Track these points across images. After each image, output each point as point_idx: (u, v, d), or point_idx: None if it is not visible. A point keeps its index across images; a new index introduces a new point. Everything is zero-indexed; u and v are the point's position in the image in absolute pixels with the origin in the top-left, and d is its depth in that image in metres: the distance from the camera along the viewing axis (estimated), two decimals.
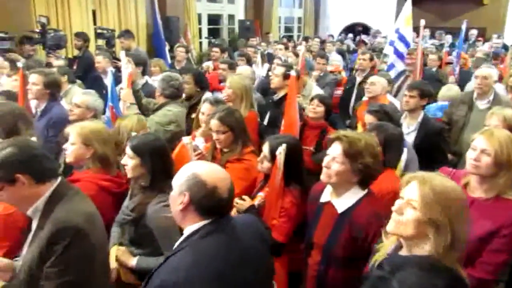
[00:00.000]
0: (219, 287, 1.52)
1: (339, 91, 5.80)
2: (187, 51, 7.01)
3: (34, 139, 2.63)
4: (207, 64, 6.84)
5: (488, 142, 2.10)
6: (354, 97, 5.40)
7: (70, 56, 6.72)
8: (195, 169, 1.64)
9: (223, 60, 5.92)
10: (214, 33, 11.21)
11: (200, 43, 10.60)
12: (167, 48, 7.92)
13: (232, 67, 5.27)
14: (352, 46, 11.65)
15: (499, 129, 2.33)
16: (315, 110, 3.79)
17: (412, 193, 1.51)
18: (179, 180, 1.63)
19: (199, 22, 10.51)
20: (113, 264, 2.20)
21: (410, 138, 3.49)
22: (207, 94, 4.12)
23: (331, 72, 6.25)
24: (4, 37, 5.24)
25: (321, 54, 6.44)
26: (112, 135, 2.74)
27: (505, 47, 10.11)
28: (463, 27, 7.35)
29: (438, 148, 3.51)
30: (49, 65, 5.24)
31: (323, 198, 2.20)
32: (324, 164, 2.10)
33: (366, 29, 15.16)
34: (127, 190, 2.46)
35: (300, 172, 2.61)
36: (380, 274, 1.26)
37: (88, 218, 1.75)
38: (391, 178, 2.46)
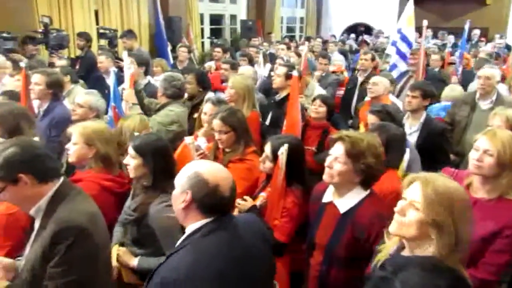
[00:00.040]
0: (220, 285, 1.52)
1: (341, 91, 5.79)
2: (189, 51, 7.02)
3: (36, 139, 2.63)
4: (209, 64, 6.85)
5: (491, 142, 2.09)
6: (356, 97, 5.39)
7: (72, 56, 6.74)
8: (197, 168, 1.65)
9: (225, 60, 5.93)
10: (216, 33, 11.22)
11: (202, 43, 10.61)
12: (169, 48, 7.93)
13: (234, 67, 5.28)
14: (355, 46, 11.64)
15: (502, 130, 2.33)
16: (317, 110, 3.78)
17: (415, 194, 1.50)
18: (181, 179, 1.65)
19: (201, 22, 10.51)
20: (113, 263, 2.20)
21: (412, 138, 3.48)
22: (209, 94, 4.12)
23: (333, 72, 6.25)
24: (7, 37, 5.25)
25: (323, 54, 6.43)
26: (114, 135, 2.75)
27: (508, 47, 10.10)
28: (466, 27, 7.34)
29: (441, 148, 3.50)
30: (51, 65, 5.26)
31: (325, 198, 2.20)
32: (326, 164, 2.09)
33: (368, 29, 15.14)
34: (129, 190, 2.46)
35: (302, 172, 2.60)
36: (383, 274, 1.26)
37: (90, 218, 1.75)
38: (393, 179, 2.46)
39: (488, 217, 2.03)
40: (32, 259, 1.68)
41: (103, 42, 7.16)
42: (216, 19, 11.40)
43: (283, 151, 2.43)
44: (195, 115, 3.72)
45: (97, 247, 1.73)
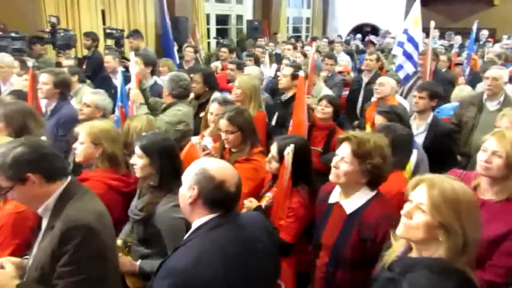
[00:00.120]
0: (225, 277, 1.55)
1: (346, 92, 5.78)
2: (196, 51, 7.03)
3: (43, 138, 2.64)
4: (216, 64, 6.86)
5: (500, 143, 2.08)
6: (361, 98, 5.38)
7: (79, 56, 6.77)
8: (203, 165, 1.70)
9: (231, 60, 5.94)
10: (222, 33, 11.24)
11: (208, 43, 10.63)
12: (175, 48, 7.95)
13: (240, 67, 5.29)
14: (361, 46, 11.61)
15: (510, 131, 2.30)
16: (323, 110, 3.78)
17: (421, 196, 1.49)
18: (188, 175, 1.69)
19: (208, 22, 10.54)
20: None
21: (419, 139, 3.46)
22: (216, 94, 4.13)
23: (340, 72, 6.24)
24: (15, 37, 5.28)
25: (329, 55, 6.42)
26: (121, 135, 2.76)
27: None
28: (474, 27, 7.29)
29: (448, 149, 3.49)
30: (59, 64, 5.28)
31: (332, 199, 2.19)
32: (332, 164, 2.09)
33: (374, 30, 15.09)
34: (135, 189, 2.47)
35: (309, 172, 2.60)
36: (390, 276, 1.25)
37: (98, 217, 1.75)
38: (399, 180, 2.44)
39: (496, 219, 2.02)
40: (41, 258, 1.69)
41: (110, 42, 7.18)
42: (222, 19, 11.42)
43: (289, 151, 2.42)
44: (201, 114, 3.74)
45: (105, 246, 1.73)
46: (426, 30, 6.09)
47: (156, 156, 2.24)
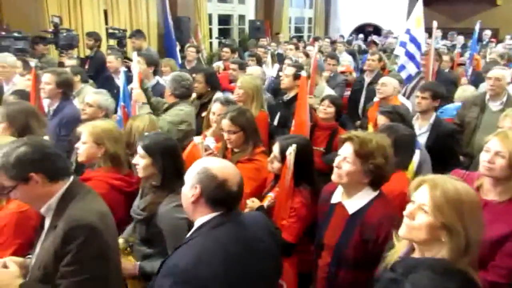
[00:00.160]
0: (226, 276, 1.55)
1: (348, 92, 5.78)
2: (198, 51, 7.05)
3: (46, 138, 2.65)
4: (218, 64, 6.86)
5: (503, 144, 2.07)
6: (363, 98, 5.37)
7: (82, 56, 6.78)
8: (206, 164, 1.72)
9: (233, 60, 5.93)
10: (224, 33, 11.25)
11: (211, 43, 10.63)
12: (177, 48, 7.96)
13: (242, 67, 5.29)
14: (363, 46, 11.60)
15: None
16: (325, 110, 3.77)
17: (423, 197, 1.48)
18: (191, 175, 1.71)
19: (210, 22, 10.54)
20: None
21: (421, 139, 3.46)
22: (218, 94, 4.13)
23: (342, 72, 6.23)
24: (18, 37, 5.29)
25: (331, 55, 6.42)
26: (123, 134, 2.76)
27: None
28: (477, 28, 7.26)
29: (450, 150, 3.48)
30: (61, 64, 5.30)
31: (334, 199, 2.19)
32: (335, 164, 2.09)
33: (377, 30, 15.07)
34: (138, 189, 2.48)
35: (311, 172, 2.60)
36: (393, 276, 1.25)
37: (101, 217, 1.76)
38: (401, 180, 2.44)
39: (499, 219, 2.01)
40: (43, 258, 1.69)
41: (112, 42, 7.20)
42: (224, 19, 11.42)
43: (291, 151, 2.42)
44: (203, 114, 3.74)
45: (107, 246, 1.74)
46: (428, 30, 6.07)
47: (158, 156, 2.25)
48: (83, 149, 2.52)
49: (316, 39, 10.88)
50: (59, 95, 3.70)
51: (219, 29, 11.12)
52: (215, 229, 1.63)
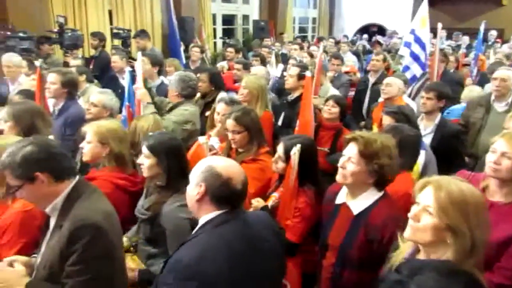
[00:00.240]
0: (230, 274, 1.56)
1: (352, 92, 5.77)
2: (202, 51, 7.05)
3: (51, 137, 2.66)
4: (222, 64, 6.86)
5: (509, 145, 2.06)
6: (367, 98, 5.36)
7: (86, 55, 6.80)
8: (210, 162, 1.74)
9: (238, 60, 5.94)
10: (228, 33, 11.25)
11: (215, 43, 10.64)
12: (182, 48, 7.97)
13: (247, 67, 5.29)
14: (368, 47, 11.57)
15: None
16: (330, 111, 3.77)
17: (428, 198, 1.47)
18: (196, 173, 1.72)
19: (214, 22, 10.55)
20: None
21: (426, 140, 3.44)
22: (222, 94, 4.13)
23: (346, 73, 6.22)
24: (23, 37, 5.31)
25: (336, 55, 6.41)
26: (128, 134, 2.77)
27: None
28: (482, 28, 7.23)
29: (456, 150, 3.47)
30: (66, 64, 5.32)
31: (339, 200, 2.19)
32: (339, 164, 2.08)
33: (381, 30, 15.03)
34: (142, 189, 2.48)
35: (315, 172, 2.60)
36: (398, 278, 1.24)
37: (106, 216, 1.76)
38: (406, 181, 2.43)
39: (505, 220, 2.00)
40: (49, 257, 1.70)
41: (117, 42, 7.21)
42: (228, 19, 11.43)
43: (295, 152, 2.42)
44: (207, 113, 3.74)
45: (112, 246, 1.74)
46: (433, 31, 6.05)
47: (163, 156, 2.25)
48: (87, 148, 2.53)
49: (320, 39, 10.87)
50: (64, 94, 3.72)
51: (223, 29, 11.13)
52: (220, 226, 1.65)
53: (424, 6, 5.79)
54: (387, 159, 2.02)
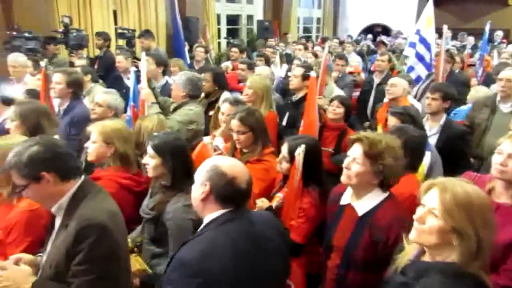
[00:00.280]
0: (235, 272, 1.56)
1: (357, 93, 5.76)
2: (206, 51, 7.06)
3: (56, 137, 2.67)
4: (226, 64, 6.87)
5: None
6: (372, 98, 5.35)
7: (91, 55, 6.83)
8: (215, 162, 1.75)
9: (242, 60, 5.94)
10: (232, 33, 11.26)
11: (219, 43, 10.65)
12: (186, 48, 7.98)
13: (251, 67, 5.29)
14: (372, 47, 11.54)
15: None
16: (335, 111, 3.77)
17: (433, 200, 1.46)
18: (201, 173, 1.73)
19: (218, 23, 10.56)
20: None
21: (431, 141, 3.42)
22: (226, 94, 4.14)
23: (351, 73, 6.21)
24: (28, 37, 5.34)
25: (340, 55, 6.40)
26: (132, 134, 2.78)
27: None
28: (487, 28, 7.19)
29: (461, 151, 3.45)
30: (71, 64, 5.34)
31: (344, 200, 2.18)
32: (344, 165, 2.08)
33: (386, 30, 14.99)
34: (147, 189, 2.49)
35: (319, 173, 2.59)
36: (403, 280, 1.24)
37: (111, 216, 1.77)
38: (411, 182, 2.42)
39: (511, 222, 1.99)
40: (55, 257, 1.70)
41: (121, 42, 7.23)
42: (232, 20, 11.43)
43: (300, 152, 2.42)
44: (211, 113, 3.74)
45: (118, 245, 1.75)
46: (438, 31, 6.02)
47: (168, 156, 2.25)
48: (92, 148, 2.54)
49: (324, 39, 10.85)
50: (69, 94, 3.73)
51: (228, 29, 11.14)
52: (225, 224, 1.66)
53: (430, 6, 5.76)
54: (392, 160, 2.01)
